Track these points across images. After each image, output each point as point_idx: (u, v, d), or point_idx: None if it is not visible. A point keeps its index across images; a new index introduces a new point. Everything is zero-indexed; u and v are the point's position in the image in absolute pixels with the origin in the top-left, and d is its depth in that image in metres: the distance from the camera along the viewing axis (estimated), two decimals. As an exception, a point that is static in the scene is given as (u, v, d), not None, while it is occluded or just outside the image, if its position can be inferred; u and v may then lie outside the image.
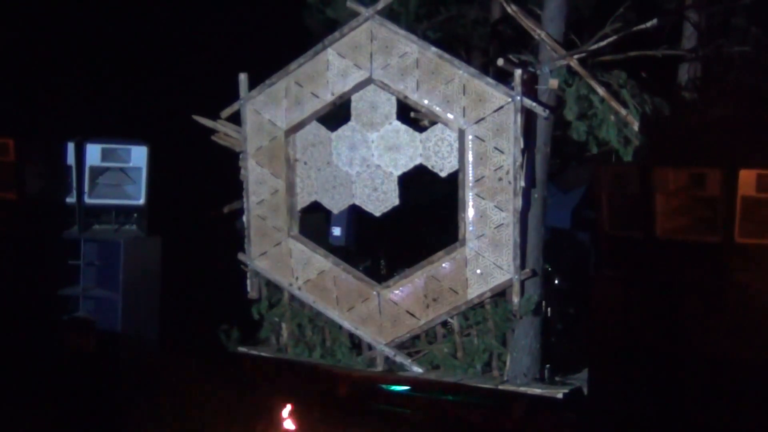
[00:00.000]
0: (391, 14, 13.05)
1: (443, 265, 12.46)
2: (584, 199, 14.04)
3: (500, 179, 12.12)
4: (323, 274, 13.04)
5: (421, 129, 12.78)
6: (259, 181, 13.37)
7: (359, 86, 12.82)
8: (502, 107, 12.10)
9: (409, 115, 13.17)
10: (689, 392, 10.32)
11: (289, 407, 10.85)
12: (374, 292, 12.80)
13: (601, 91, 12.13)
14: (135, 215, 14.03)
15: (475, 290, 12.31)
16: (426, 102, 12.50)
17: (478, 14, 14.01)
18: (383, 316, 12.72)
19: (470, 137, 12.29)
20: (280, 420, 10.95)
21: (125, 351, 13.39)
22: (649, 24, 12.33)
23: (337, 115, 13.25)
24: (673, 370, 10.41)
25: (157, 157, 14.12)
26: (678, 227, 10.48)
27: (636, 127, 12.07)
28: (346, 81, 12.87)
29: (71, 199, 13.82)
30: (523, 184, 12.05)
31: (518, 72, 11.99)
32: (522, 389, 11.98)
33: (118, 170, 13.96)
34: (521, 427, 11.56)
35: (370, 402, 11.97)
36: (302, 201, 13.22)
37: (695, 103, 12.85)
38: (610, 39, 12.41)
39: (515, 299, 12.14)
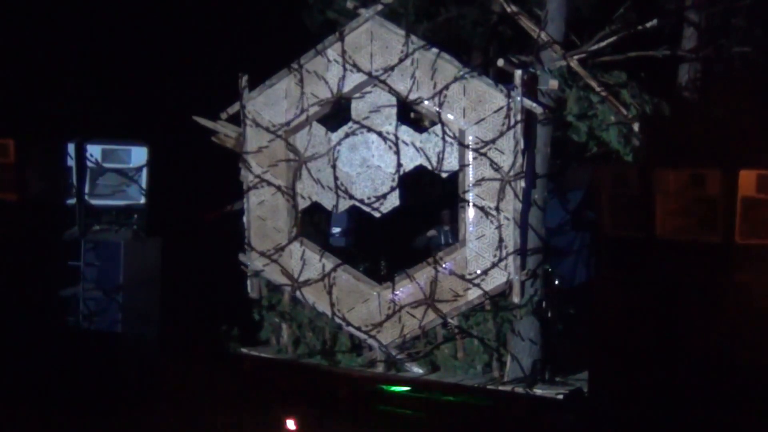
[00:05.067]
0: (391, 15, 13.04)
1: (443, 265, 12.46)
2: (585, 199, 14.06)
3: (500, 180, 12.12)
4: (323, 274, 13.03)
5: (421, 129, 12.79)
6: (259, 182, 13.36)
7: (359, 87, 12.82)
8: (502, 108, 12.11)
9: (409, 115, 13.19)
10: (689, 392, 10.33)
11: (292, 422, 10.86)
12: (374, 293, 12.80)
13: (601, 91, 12.14)
14: (135, 216, 14.04)
15: (475, 291, 12.31)
16: (426, 102, 12.50)
17: (478, 15, 14.01)
18: (383, 316, 12.72)
19: (470, 138, 12.29)
20: (280, 421, 10.96)
21: (125, 351, 13.38)
22: (649, 24, 12.35)
23: (337, 115, 13.26)
24: (673, 371, 10.42)
25: (157, 158, 14.12)
26: (678, 228, 10.49)
27: (636, 127, 12.07)
28: (347, 81, 12.87)
29: (71, 200, 13.83)
30: (523, 184, 12.05)
31: (518, 72, 11.99)
32: (522, 389, 11.99)
33: (119, 171, 13.97)
34: (521, 427, 11.56)
35: (370, 403, 11.98)
36: (302, 202, 13.22)
37: (695, 103, 12.85)
38: (610, 39, 12.42)
39: (516, 299, 12.15)
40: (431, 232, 13.52)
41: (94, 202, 13.91)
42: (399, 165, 12.65)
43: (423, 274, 12.56)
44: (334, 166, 12.94)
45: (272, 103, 13.26)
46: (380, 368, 12.81)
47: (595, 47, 12.44)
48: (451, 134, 12.39)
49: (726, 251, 10.21)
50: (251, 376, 12.83)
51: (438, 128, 12.49)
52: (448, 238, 13.30)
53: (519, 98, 11.99)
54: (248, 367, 13.18)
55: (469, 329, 12.48)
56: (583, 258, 14.12)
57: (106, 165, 13.95)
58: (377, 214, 12.84)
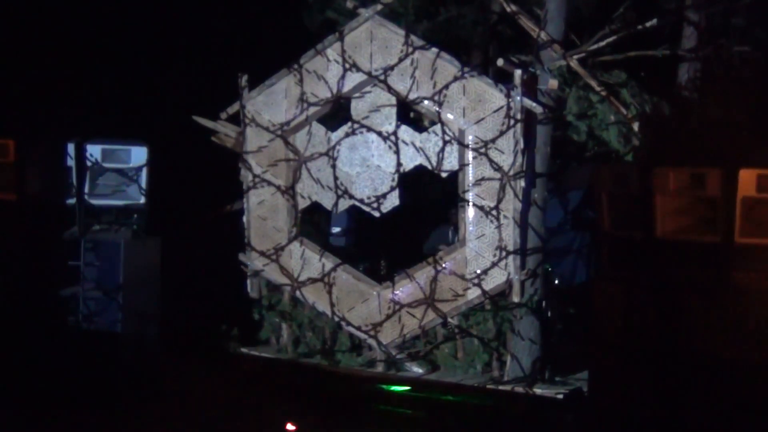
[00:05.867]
0: (391, 14, 13.06)
1: (443, 265, 12.46)
2: (584, 199, 14.07)
3: (500, 179, 12.12)
4: (323, 274, 13.03)
5: (420, 129, 12.79)
6: (258, 182, 13.35)
7: (359, 86, 12.83)
8: (501, 107, 12.11)
9: (408, 115, 13.19)
10: (689, 392, 10.32)
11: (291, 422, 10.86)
12: (374, 293, 12.80)
13: (600, 91, 12.14)
14: (135, 215, 14.03)
15: (475, 290, 12.31)
16: (426, 102, 12.51)
17: (478, 14, 14.02)
18: (383, 316, 12.72)
19: (470, 137, 12.30)
20: (280, 421, 10.95)
21: (125, 351, 13.38)
22: (648, 24, 12.35)
23: (337, 115, 13.26)
24: (673, 370, 10.42)
25: (157, 158, 14.12)
26: (678, 227, 10.48)
27: (636, 127, 12.07)
28: (346, 81, 12.87)
29: (71, 200, 13.82)
30: (523, 184, 12.06)
31: (518, 72, 11.99)
32: (522, 389, 11.99)
33: (118, 171, 13.97)
34: (521, 426, 11.56)
35: (370, 402, 11.98)
36: (302, 201, 13.22)
37: (695, 102, 12.85)
38: (610, 39, 12.43)
39: (516, 299, 12.15)
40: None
41: (94, 201, 13.90)
42: (399, 165, 12.65)
43: (423, 274, 12.56)
44: (333, 166, 12.94)
45: (272, 102, 13.26)
46: (380, 368, 12.82)
47: (595, 47, 12.44)
48: (450, 134, 12.39)
49: (726, 251, 10.21)
50: (251, 376, 12.83)
51: (438, 128, 12.50)
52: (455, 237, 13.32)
53: (519, 98, 11.99)
54: (248, 366, 13.19)
55: (469, 329, 12.48)
56: (583, 257, 14.13)
57: (106, 165, 13.95)
58: (377, 214, 12.84)
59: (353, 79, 12.83)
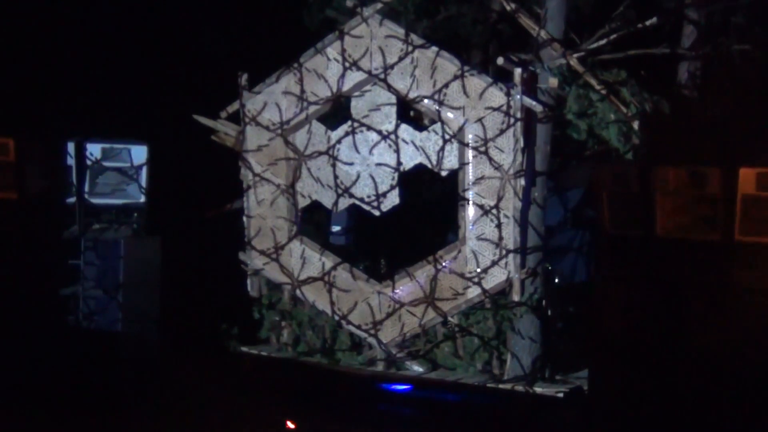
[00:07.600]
0: (391, 13, 13.05)
1: (443, 264, 12.46)
2: (584, 197, 14.07)
3: (500, 178, 12.12)
4: (323, 273, 13.03)
5: (420, 128, 12.79)
6: (258, 181, 13.36)
7: (359, 85, 12.83)
8: (501, 106, 12.11)
9: (408, 113, 13.19)
10: (690, 391, 10.32)
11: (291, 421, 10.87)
12: (374, 292, 12.80)
13: (601, 89, 12.14)
14: (135, 215, 14.03)
15: (475, 289, 12.32)
16: (426, 101, 12.50)
17: (478, 13, 14.02)
18: (383, 315, 12.72)
19: (470, 136, 12.29)
20: (280, 420, 10.96)
21: (125, 350, 13.39)
22: (648, 22, 12.36)
23: (336, 113, 13.26)
24: (673, 369, 10.42)
25: (157, 156, 14.12)
26: (678, 226, 10.48)
27: (636, 125, 12.08)
28: (346, 80, 12.87)
29: (71, 199, 13.82)
30: (523, 182, 12.06)
31: (518, 71, 12.00)
32: (522, 388, 11.99)
33: (118, 170, 13.97)
34: (521, 425, 11.57)
35: (370, 401, 11.99)
36: (302, 200, 13.22)
37: (695, 101, 12.85)
38: (610, 37, 12.44)
39: (516, 298, 12.15)
40: None
41: (94, 200, 13.89)
42: (399, 163, 12.65)
43: (423, 273, 12.56)
44: (333, 165, 12.95)
45: (272, 101, 13.27)
46: (380, 367, 12.82)
47: (595, 45, 12.45)
48: (450, 132, 12.40)
49: (726, 249, 10.21)
50: (251, 375, 12.84)
51: (438, 126, 12.50)
52: None
53: (519, 96, 11.99)
54: (248, 365, 13.20)
55: (469, 327, 12.48)
56: (583, 256, 14.13)
57: (106, 163, 13.95)
58: (377, 213, 12.85)
59: (353, 77, 12.83)
